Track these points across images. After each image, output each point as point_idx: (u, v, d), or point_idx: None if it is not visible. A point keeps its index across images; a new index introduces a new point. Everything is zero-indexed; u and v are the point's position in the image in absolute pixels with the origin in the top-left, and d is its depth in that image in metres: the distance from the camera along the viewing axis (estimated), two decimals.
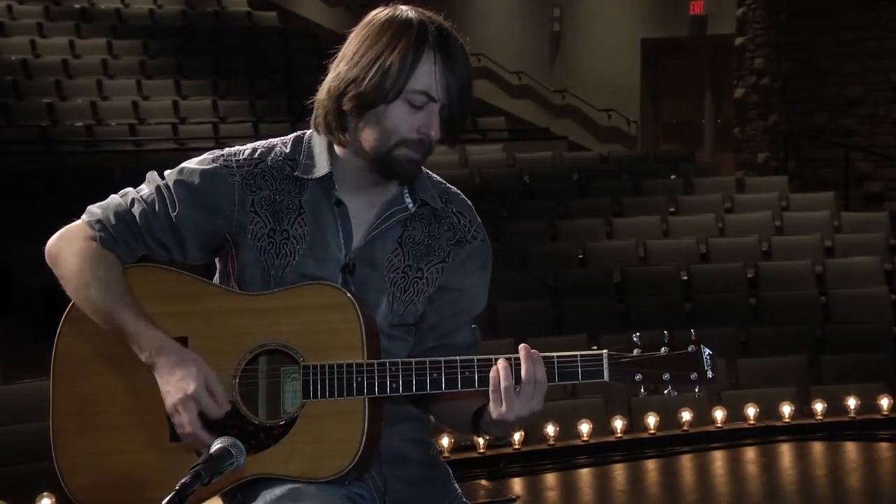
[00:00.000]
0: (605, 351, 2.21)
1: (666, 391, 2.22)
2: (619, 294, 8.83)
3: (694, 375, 2.22)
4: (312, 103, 2.31)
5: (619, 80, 16.39)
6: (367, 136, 2.24)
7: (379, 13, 2.26)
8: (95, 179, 9.67)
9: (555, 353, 2.21)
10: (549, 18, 17.17)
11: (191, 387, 2.16)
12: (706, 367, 2.22)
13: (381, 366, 2.21)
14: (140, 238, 2.30)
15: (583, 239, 9.64)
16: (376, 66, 2.20)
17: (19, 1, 15.66)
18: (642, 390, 2.22)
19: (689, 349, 2.22)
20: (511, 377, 2.16)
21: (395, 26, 2.22)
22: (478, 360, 2.22)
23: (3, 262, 8.84)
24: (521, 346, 2.19)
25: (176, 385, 2.18)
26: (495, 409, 2.17)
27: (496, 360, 2.20)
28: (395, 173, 2.26)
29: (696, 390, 2.23)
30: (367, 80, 2.20)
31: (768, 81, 13.60)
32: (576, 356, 2.20)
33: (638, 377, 2.20)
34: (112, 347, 2.27)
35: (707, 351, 2.22)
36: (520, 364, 2.17)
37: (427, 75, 2.20)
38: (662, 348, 2.22)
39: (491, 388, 2.17)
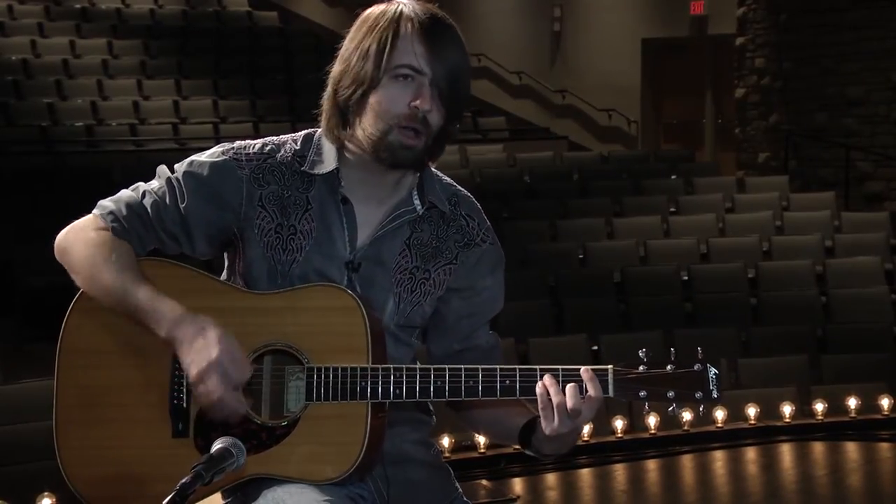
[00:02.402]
0: (610, 367, 2.20)
1: (670, 409, 2.21)
2: (620, 294, 8.83)
3: (699, 394, 2.20)
4: (319, 114, 2.32)
5: (619, 79, 16.39)
6: (366, 126, 2.23)
7: (365, 11, 2.28)
8: (96, 179, 9.68)
9: (560, 367, 2.20)
10: (550, 18, 17.18)
11: (213, 353, 2.14)
12: (711, 387, 2.20)
13: (386, 371, 2.20)
14: (152, 230, 2.30)
15: (583, 239, 9.64)
16: (358, 53, 2.22)
17: (20, 1, 15.67)
18: (646, 406, 2.22)
19: (695, 368, 2.21)
20: (561, 393, 2.16)
21: (375, 16, 2.25)
22: (482, 370, 2.21)
23: (3, 262, 8.85)
24: (583, 369, 2.18)
25: (199, 354, 2.15)
26: (548, 426, 2.17)
27: (500, 370, 2.20)
28: (394, 160, 2.23)
29: (701, 409, 2.23)
30: (352, 69, 2.22)
31: (769, 81, 13.60)
32: (579, 370, 2.19)
33: (642, 394, 2.20)
34: (118, 341, 2.27)
35: (713, 370, 2.20)
36: (567, 378, 2.17)
37: (407, 49, 2.20)
38: (668, 366, 2.21)
39: (540, 405, 2.17)
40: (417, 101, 2.20)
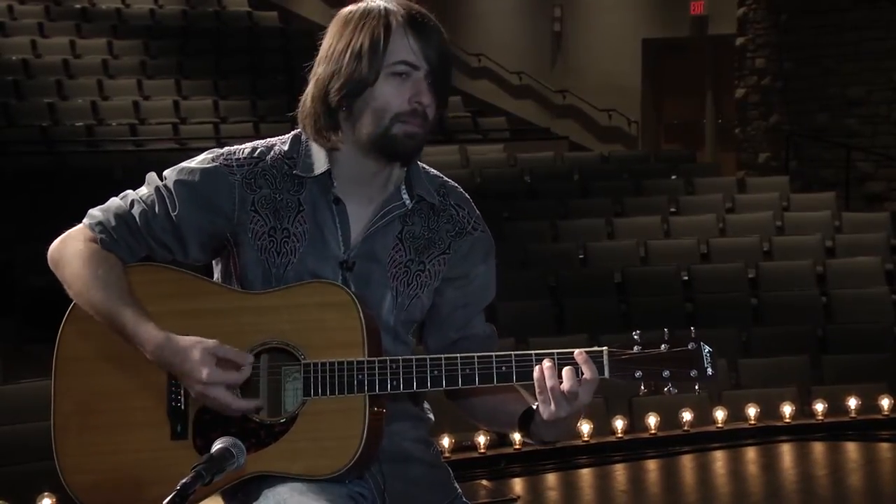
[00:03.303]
0: (605, 348, 2.21)
1: (666, 388, 2.22)
2: (620, 294, 8.83)
3: (694, 372, 2.21)
4: (296, 116, 2.33)
5: (619, 80, 16.38)
6: (362, 124, 2.24)
7: (342, 11, 2.29)
8: (96, 179, 9.68)
9: (555, 350, 2.21)
10: (550, 18, 17.16)
11: (202, 374, 2.15)
12: (706, 365, 2.21)
13: (382, 363, 2.21)
14: (141, 239, 2.30)
15: (584, 239, 9.64)
16: (349, 52, 2.22)
17: (20, 1, 15.66)
18: (642, 387, 2.22)
19: (689, 346, 2.22)
20: (556, 376, 2.17)
21: (358, 14, 2.25)
22: (478, 358, 2.22)
23: (4, 262, 8.86)
24: (577, 351, 2.19)
25: (190, 379, 2.18)
26: (545, 410, 2.18)
27: (496, 356, 2.22)
28: (397, 152, 2.25)
29: (696, 387, 2.23)
30: (344, 68, 2.22)
31: (769, 81, 13.59)
32: (574, 353, 2.20)
33: (638, 374, 2.21)
34: (114, 346, 2.27)
35: (707, 348, 2.22)
36: (562, 362, 2.18)
37: (402, 45, 2.21)
38: (662, 345, 2.22)
39: (537, 390, 2.18)
40: (420, 98, 2.21)
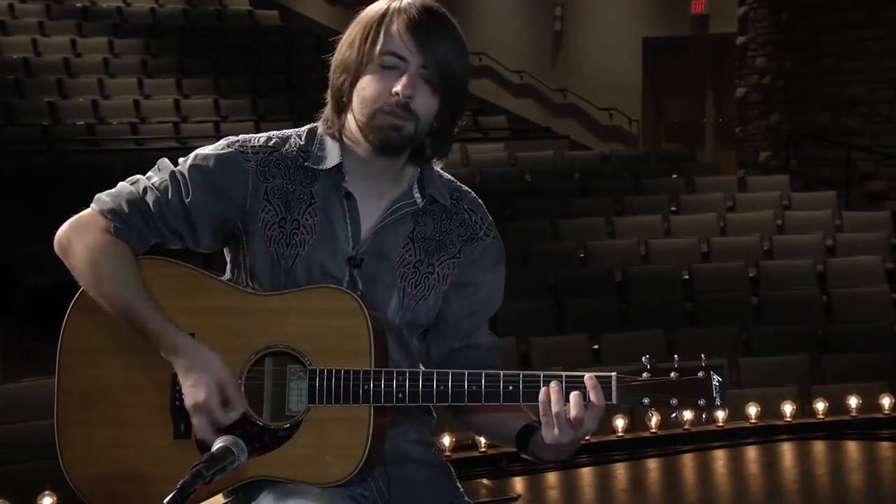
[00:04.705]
0: (614, 374, 2.20)
1: (673, 415, 2.22)
2: (621, 293, 8.83)
3: (702, 402, 2.20)
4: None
5: (620, 79, 16.38)
6: (355, 112, 2.25)
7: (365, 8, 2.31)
8: (97, 178, 9.55)
9: (563, 373, 2.20)
10: (551, 17, 17.17)
11: (201, 396, 2.16)
12: (715, 394, 2.20)
13: (389, 374, 2.20)
14: (153, 226, 2.29)
15: (584, 238, 9.64)
16: (346, 44, 2.26)
17: None
18: (650, 413, 2.22)
19: (699, 375, 2.21)
20: (562, 401, 2.16)
21: (368, 10, 2.28)
22: (486, 375, 2.21)
23: (4, 261, 8.85)
24: (587, 375, 2.18)
25: (189, 390, 2.18)
26: (548, 434, 2.17)
27: (503, 375, 2.20)
28: (381, 142, 2.23)
29: (704, 416, 2.23)
30: (342, 59, 2.26)
31: (770, 80, 13.59)
32: (583, 377, 2.19)
33: (646, 401, 2.20)
34: (119, 340, 2.26)
35: (716, 378, 2.20)
36: (570, 386, 2.17)
37: (394, 37, 2.21)
38: (672, 373, 2.21)
39: (541, 412, 2.17)
40: (402, 89, 2.20)
